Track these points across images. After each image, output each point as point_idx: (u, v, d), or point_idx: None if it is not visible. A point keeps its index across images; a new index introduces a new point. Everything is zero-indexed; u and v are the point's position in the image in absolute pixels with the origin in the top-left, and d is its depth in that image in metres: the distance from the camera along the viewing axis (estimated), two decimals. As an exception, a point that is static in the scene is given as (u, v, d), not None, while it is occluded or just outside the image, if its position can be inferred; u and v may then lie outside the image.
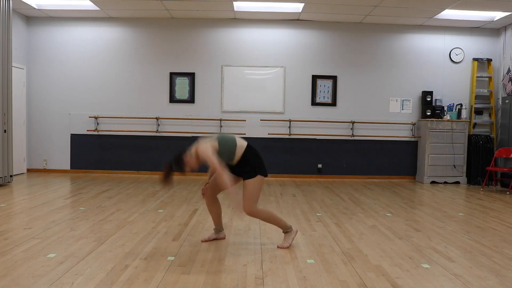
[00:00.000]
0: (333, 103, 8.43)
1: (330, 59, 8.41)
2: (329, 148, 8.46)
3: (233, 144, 3.51)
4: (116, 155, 8.37)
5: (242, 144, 3.56)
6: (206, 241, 3.88)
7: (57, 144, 8.38)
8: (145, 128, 8.34)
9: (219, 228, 3.93)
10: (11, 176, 6.82)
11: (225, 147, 3.47)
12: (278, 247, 3.73)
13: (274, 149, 8.39)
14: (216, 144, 3.45)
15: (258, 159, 3.60)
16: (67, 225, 4.34)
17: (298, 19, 8.29)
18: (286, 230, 3.77)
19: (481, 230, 4.52)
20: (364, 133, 8.46)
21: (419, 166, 8.38)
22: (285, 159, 8.39)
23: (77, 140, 8.36)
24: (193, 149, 3.48)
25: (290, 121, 8.34)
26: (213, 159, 3.32)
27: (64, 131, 8.36)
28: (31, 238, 3.83)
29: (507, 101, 7.96)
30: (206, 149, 3.37)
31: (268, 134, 8.33)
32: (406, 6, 7.20)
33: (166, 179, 3.46)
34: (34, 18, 8.28)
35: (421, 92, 8.45)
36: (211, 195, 3.82)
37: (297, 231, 3.86)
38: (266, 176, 3.63)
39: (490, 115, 8.53)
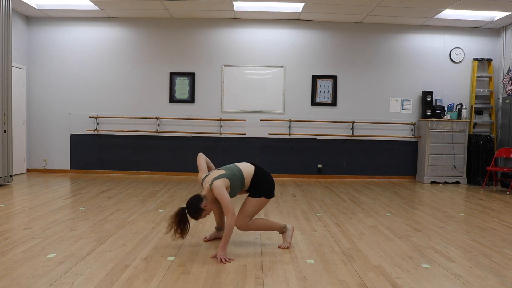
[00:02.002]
0: (333, 103, 8.42)
1: (330, 59, 8.41)
2: (329, 148, 8.46)
3: (240, 174, 3.51)
4: (116, 155, 8.37)
5: (249, 170, 3.57)
6: (208, 240, 3.91)
7: (57, 144, 8.38)
8: (145, 128, 8.34)
9: (220, 227, 3.96)
10: (11, 176, 6.81)
11: (235, 181, 3.47)
12: (278, 247, 3.74)
13: (274, 149, 8.39)
14: (228, 182, 3.42)
15: (265, 183, 3.61)
16: (67, 225, 4.34)
17: (298, 19, 8.29)
18: (282, 230, 3.79)
19: (481, 230, 4.52)
20: (364, 133, 8.46)
21: (419, 166, 8.37)
22: (285, 159, 8.39)
23: (77, 140, 8.36)
24: (205, 191, 3.43)
25: (290, 121, 8.34)
26: (229, 206, 3.30)
27: (64, 131, 8.36)
28: (31, 238, 3.83)
29: (507, 101, 7.96)
30: (223, 192, 3.33)
31: (268, 134, 8.32)
32: (406, 6, 7.20)
33: (182, 229, 3.34)
34: (34, 18, 8.28)
35: (421, 92, 8.45)
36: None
37: (293, 228, 3.87)
38: (270, 198, 3.65)
39: (490, 115, 8.52)
